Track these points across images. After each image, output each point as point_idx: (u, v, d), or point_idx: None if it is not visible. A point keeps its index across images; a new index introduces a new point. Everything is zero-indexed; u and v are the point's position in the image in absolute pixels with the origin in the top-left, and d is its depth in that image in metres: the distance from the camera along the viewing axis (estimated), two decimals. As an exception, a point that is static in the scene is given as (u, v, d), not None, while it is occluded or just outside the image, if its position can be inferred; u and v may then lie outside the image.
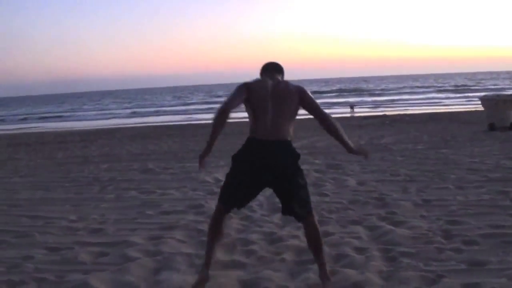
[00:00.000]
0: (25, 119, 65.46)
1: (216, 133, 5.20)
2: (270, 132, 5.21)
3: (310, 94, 5.48)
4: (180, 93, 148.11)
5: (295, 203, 5.37)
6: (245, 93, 5.28)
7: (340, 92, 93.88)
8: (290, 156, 5.29)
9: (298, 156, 5.33)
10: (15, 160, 19.41)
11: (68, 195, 11.33)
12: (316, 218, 5.58)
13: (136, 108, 77.01)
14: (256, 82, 5.43)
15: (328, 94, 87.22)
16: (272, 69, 5.70)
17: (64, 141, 27.75)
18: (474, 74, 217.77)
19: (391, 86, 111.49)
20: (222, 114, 5.16)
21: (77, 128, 41.29)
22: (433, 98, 64.37)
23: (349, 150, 5.67)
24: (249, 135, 5.28)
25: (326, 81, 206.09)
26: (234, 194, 5.36)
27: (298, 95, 5.38)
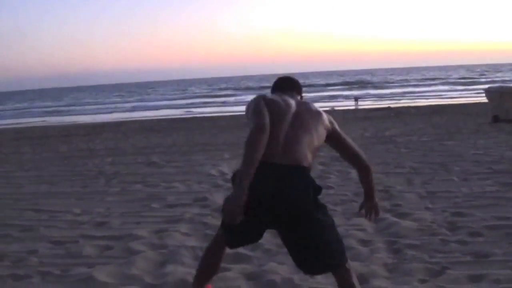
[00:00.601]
0: (26, 113, 65.36)
1: (256, 159, 3.85)
2: (282, 155, 3.96)
3: (335, 124, 4.37)
4: (178, 86, 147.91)
5: (317, 250, 4.02)
6: (268, 106, 4.12)
7: (345, 85, 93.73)
8: (305, 185, 3.94)
9: (319, 189, 4.02)
10: (20, 154, 19.43)
11: (72, 188, 11.35)
12: (352, 272, 4.26)
13: (138, 102, 76.92)
14: (274, 96, 4.32)
15: (333, 87, 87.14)
16: (288, 88, 4.54)
17: (69, 134, 27.77)
18: (475, 66, 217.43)
19: (395, 78, 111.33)
20: (262, 133, 3.92)
21: (82, 122, 41.32)
22: (437, 90, 64.26)
23: (372, 201, 4.75)
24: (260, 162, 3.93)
25: (330, 74, 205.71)
26: (237, 231, 4.15)
27: (329, 122, 4.31)
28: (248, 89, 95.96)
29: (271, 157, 3.93)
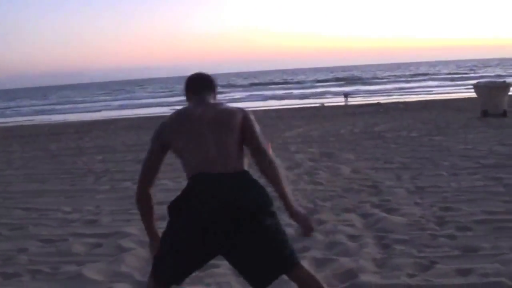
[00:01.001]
0: (14, 112, 64.98)
1: (148, 213, 4.22)
2: (215, 164, 3.67)
3: (250, 116, 3.88)
4: (160, 85, 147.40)
5: (272, 255, 3.68)
6: (159, 142, 3.91)
7: (334, 81, 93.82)
8: (254, 189, 3.67)
9: (266, 194, 3.70)
10: (9, 152, 19.36)
11: (62, 186, 11.33)
12: (305, 268, 3.84)
13: (127, 100, 76.60)
14: (177, 117, 3.91)
15: (322, 84, 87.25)
16: (200, 87, 4.12)
17: (58, 133, 27.67)
18: (463, 61, 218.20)
19: (383, 74, 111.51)
20: (139, 202, 4.24)
21: (71, 120, 41.20)
22: (426, 86, 64.37)
23: (289, 208, 3.81)
24: (192, 176, 3.74)
25: (318, 71, 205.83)
26: (174, 264, 3.77)
27: (241, 115, 3.84)
28: (236, 86, 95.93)
29: (205, 169, 3.67)
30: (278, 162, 3.88)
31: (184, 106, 4.06)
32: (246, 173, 3.71)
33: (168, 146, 3.89)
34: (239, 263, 3.74)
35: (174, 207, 3.79)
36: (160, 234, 3.91)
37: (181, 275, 3.81)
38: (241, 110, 3.91)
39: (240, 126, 3.78)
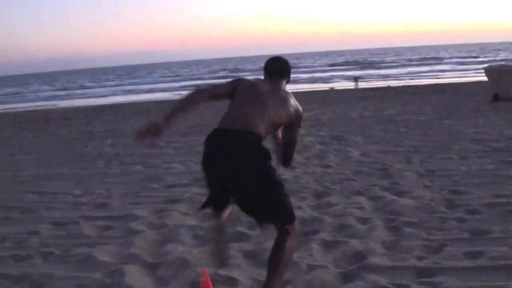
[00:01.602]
0: (23, 98, 65.01)
1: (181, 109, 4.36)
2: (234, 123, 4.30)
3: (300, 113, 4.58)
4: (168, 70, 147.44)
5: (259, 207, 4.29)
6: (231, 86, 4.58)
7: (344, 65, 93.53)
8: (250, 144, 4.22)
9: (266, 151, 4.25)
10: (20, 137, 19.45)
11: (73, 170, 11.39)
12: (290, 236, 4.38)
13: (132, 85, 76.56)
14: (252, 81, 4.66)
15: (332, 67, 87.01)
16: (275, 73, 4.73)
17: (68, 118, 27.76)
18: (472, 45, 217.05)
19: (393, 58, 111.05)
20: (197, 92, 4.49)
21: (81, 105, 41.29)
22: (436, 70, 64.08)
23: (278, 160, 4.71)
24: (217, 127, 4.40)
25: (326, 54, 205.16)
26: (211, 195, 4.44)
27: (295, 114, 4.51)
28: (245, 70, 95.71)
29: (225, 125, 4.32)
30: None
31: (261, 78, 4.80)
32: (253, 133, 4.25)
33: (233, 92, 4.53)
34: (238, 201, 4.34)
35: (207, 142, 4.37)
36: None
37: (218, 204, 4.48)
38: (298, 108, 4.54)
39: (289, 119, 4.46)
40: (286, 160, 4.74)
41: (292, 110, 4.46)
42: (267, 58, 4.91)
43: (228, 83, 4.65)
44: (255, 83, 4.59)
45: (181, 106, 4.37)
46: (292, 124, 4.52)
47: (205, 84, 4.67)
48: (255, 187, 4.19)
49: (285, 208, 4.34)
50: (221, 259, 4.81)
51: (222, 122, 4.37)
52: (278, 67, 4.76)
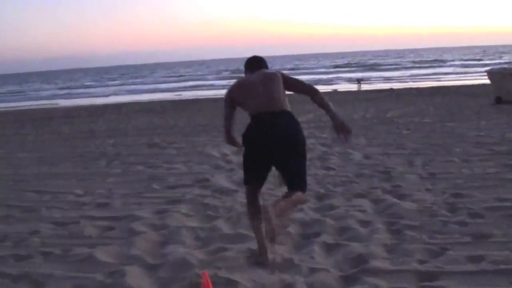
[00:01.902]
0: (25, 97, 64.97)
1: (230, 125, 5.70)
2: (267, 105, 5.43)
3: (286, 74, 5.81)
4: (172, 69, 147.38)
5: (296, 173, 5.43)
6: (235, 93, 5.71)
7: (345, 67, 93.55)
8: (293, 121, 5.45)
9: (299, 126, 5.50)
10: (22, 135, 19.47)
11: (74, 169, 11.39)
12: (299, 198, 5.42)
13: (135, 85, 76.54)
14: (238, 83, 5.86)
15: (335, 69, 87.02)
16: (255, 65, 5.97)
17: (71, 116, 27.80)
18: (474, 47, 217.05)
19: (395, 60, 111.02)
20: (227, 117, 5.70)
21: (84, 104, 41.31)
22: (439, 72, 64.06)
23: (332, 117, 5.63)
24: (253, 115, 5.47)
25: (326, 56, 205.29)
26: (254, 172, 5.53)
27: (279, 75, 5.68)
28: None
29: (260, 109, 5.41)
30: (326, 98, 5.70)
31: (242, 76, 6.10)
32: (288, 111, 5.47)
33: (234, 100, 5.69)
34: (281, 168, 5.45)
35: (244, 137, 5.44)
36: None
37: (262, 177, 5.59)
38: (277, 72, 5.75)
39: (282, 80, 5.63)
40: (312, 91, 5.75)
41: (278, 77, 5.65)
42: (247, 59, 6.15)
43: (226, 103, 5.73)
44: (247, 78, 5.84)
45: (226, 125, 5.69)
46: (285, 80, 5.68)
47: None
48: (301, 154, 5.44)
49: (305, 179, 5.52)
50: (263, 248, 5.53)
51: (254, 112, 5.45)
52: (256, 62, 5.99)
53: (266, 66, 6.00)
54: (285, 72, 6.09)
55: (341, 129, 5.55)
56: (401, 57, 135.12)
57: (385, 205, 7.35)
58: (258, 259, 5.51)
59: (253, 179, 5.58)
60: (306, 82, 5.87)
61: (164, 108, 29.45)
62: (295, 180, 5.39)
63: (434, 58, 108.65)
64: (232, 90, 5.75)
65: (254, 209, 5.61)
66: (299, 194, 5.33)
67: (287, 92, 5.64)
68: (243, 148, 5.50)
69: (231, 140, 5.68)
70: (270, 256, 5.49)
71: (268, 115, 5.36)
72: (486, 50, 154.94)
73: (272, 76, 5.64)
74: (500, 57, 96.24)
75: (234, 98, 5.70)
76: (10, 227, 7.22)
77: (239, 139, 5.55)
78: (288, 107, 5.51)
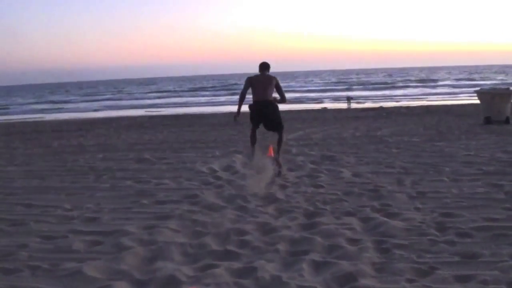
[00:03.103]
0: (13, 110, 64.74)
1: (240, 106, 11.43)
2: (262, 96, 11.26)
3: (278, 81, 11.62)
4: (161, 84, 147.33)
5: (274, 126, 11.59)
6: (249, 83, 11.41)
7: (337, 84, 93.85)
8: (271, 106, 11.38)
9: (277, 107, 11.53)
10: (11, 149, 19.38)
11: (63, 184, 11.34)
12: (284, 132, 11.93)
13: (131, 99, 76.54)
14: (254, 76, 11.53)
15: (325, 87, 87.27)
16: (263, 68, 11.61)
17: (60, 130, 27.72)
18: (465, 67, 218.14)
19: (386, 79, 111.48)
20: (242, 96, 11.45)
21: (73, 118, 41.22)
22: (429, 91, 64.34)
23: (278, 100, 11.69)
24: (253, 100, 11.33)
25: (317, 74, 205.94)
26: (254, 121, 11.47)
27: (275, 80, 11.47)
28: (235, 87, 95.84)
29: (257, 98, 11.31)
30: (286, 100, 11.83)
31: (256, 74, 11.69)
32: (272, 101, 11.42)
33: (249, 84, 11.41)
34: (265, 125, 11.57)
35: (250, 107, 11.34)
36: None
37: (255, 124, 11.57)
38: (275, 78, 11.50)
39: (275, 84, 11.46)
40: (282, 99, 11.66)
41: (274, 81, 11.41)
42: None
43: (246, 83, 11.44)
44: (257, 77, 11.47)
45: (239, 104, 11.42)
46: (277, 85, 11.49)
47: (241, 91, 11.48)
48: (275, 118, 11.45)
49: (282, 125, 11.61)
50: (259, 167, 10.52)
51: (254, 98, 11.29)
52: (265, 65, 11.64)
53: (269, 69, 11.62)
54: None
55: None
56: (390, 75, 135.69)
57: (374, 223, 7.36)
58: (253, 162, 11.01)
59: (254, 123, 11.46)
60: (283, 92, 11.76)
61: (154, 123, 29.42)
62: (276, 127, 11.60)
63: (424, 77, 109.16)
64: (250, 78, 11.44)
65: (253, 139, 11.57)
66: (280, 135, 11.66)
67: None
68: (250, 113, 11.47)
69: (236, 114, 11.47)
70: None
71: (260, 101, 11.24)
72: (476, 70, 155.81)
73: (271, 79, 11.40)
74: (490, 77, 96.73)
75: (249, 84, 11.36)
76: (-2, 240, 7.17)
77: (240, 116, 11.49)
78: (271, 98, 11.37)
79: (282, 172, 11.42)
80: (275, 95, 11.61)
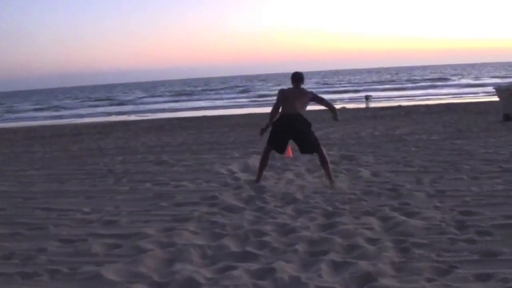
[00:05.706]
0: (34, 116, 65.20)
1: (271, 120, 10.37)
2: (292, 110, 10.15)
3: (317, 94, 10.63)
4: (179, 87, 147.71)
5: (308, 145, 10.13)
6: (283, 95, 10.39)
7: (355, 84, 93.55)
8: (302, 121, 10.13)
9: (309, 123, 10.22)
10: (31, 153, 19.52)
11: (82, 187, 11.39)
12: (323, 149, 10.33)
13: (152, 102, 76.72)
14: (287, 89, 10.65)
15: (345, 86, 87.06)
16: (296, 79, 10.52)
17: (80, 133, 27.89)
18: (481, 65, 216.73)
19: (404, 77, 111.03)
20: (275, 109, 10.40)
21: (92, 121, 41.44)
22: (448, 89, 63.97)
23: (332, 111, 10.71)
24: (281, 114, 10.23)
25: (335, 73, 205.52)
26: (273, 141, 10.28)
27: (310, 95, 10.43)
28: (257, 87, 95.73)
29: (286, 111, 10.14)
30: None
31: (289, 87, 10.75)
32: (301, 115, 10.14)
33: (282, 97, 10.29)
34: (299, 147, 10.23)
35: (274, 123, 10.23)
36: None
37: (277, 147, 10.33)
38: (308, 92, 10.47)
39: (309, 99, 10.35)
40: (329, 106, 10.73)
41: (307, 95, 10.40)
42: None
43: (278, 98, 10.39)
44: (289, 90, 10.51)
45: (270, 117, 10.45)
46: (314, 97, 10.46)
47: (274, 105, 10.45)
48: (309, 136, 10.11)
49: (318, 142, 10.25)
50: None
51: (282, 112, 10.21)
52: (298, 77, 10.56)
53: (303, 81, 10.56)
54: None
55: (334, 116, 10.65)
56: (409, 73, 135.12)
57: (393, 222, 7.32)
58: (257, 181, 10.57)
59: (272, 144, 10.30)
60: (324, 99, 10.75)
61: (172, 126, 29.51)
62: (311, 147, 10.15)
63: (443, 76, 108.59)
64: (283, 90, 10.55)
65: (264, 161, 10.52)
66: (322, 155, 10.18)
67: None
68: (269, 130, 10.39)
69: (264, 128, 10.51)
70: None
71: (289, 115, 10.10)
72: (493, 67, 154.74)
73: (304, 94, 10.37)
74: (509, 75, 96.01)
75: (282, 96, 10.32)
76: (18, 244, 7.20)
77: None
78: (303, 112, 10.24)
79: (333, 186, 9.95)
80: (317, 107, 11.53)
